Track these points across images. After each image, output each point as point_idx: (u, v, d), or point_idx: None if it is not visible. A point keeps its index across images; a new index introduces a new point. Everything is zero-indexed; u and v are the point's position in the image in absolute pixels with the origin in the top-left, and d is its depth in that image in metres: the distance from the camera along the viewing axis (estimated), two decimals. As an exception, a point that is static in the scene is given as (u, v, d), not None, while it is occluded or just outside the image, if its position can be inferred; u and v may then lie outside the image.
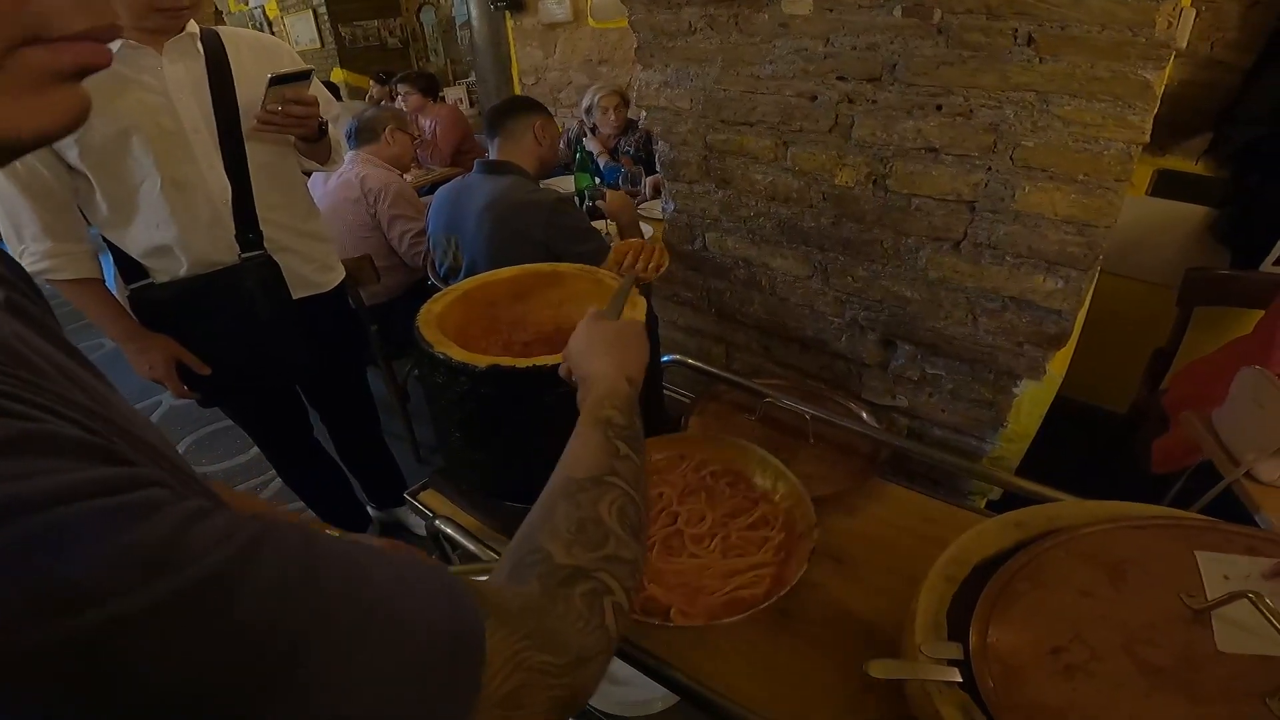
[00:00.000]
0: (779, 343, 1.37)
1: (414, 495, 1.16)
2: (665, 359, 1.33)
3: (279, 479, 1.94)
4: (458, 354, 0.87)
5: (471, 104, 4.74)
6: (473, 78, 4.51)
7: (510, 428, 0.94)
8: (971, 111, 0.91)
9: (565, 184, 2.88)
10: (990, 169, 0.93)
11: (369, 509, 2.15)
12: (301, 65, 1.28)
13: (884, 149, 1.02)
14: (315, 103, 1.30)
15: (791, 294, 1.28)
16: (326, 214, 2.21)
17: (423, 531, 2.31)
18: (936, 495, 1.21)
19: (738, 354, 1.46)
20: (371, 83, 4.86)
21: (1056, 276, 0.95)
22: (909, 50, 0.92)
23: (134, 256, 1.35)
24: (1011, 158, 0.91)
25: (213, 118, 1.30)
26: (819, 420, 1.16)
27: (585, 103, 3.01)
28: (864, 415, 1.24)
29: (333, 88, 4.64)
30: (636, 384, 0.63)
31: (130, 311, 1.41)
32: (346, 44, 5.56)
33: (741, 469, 0.90)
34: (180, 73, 1.26)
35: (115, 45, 1.18)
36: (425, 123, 3.83)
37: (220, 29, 1.37)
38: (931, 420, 1.24)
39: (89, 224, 1.34)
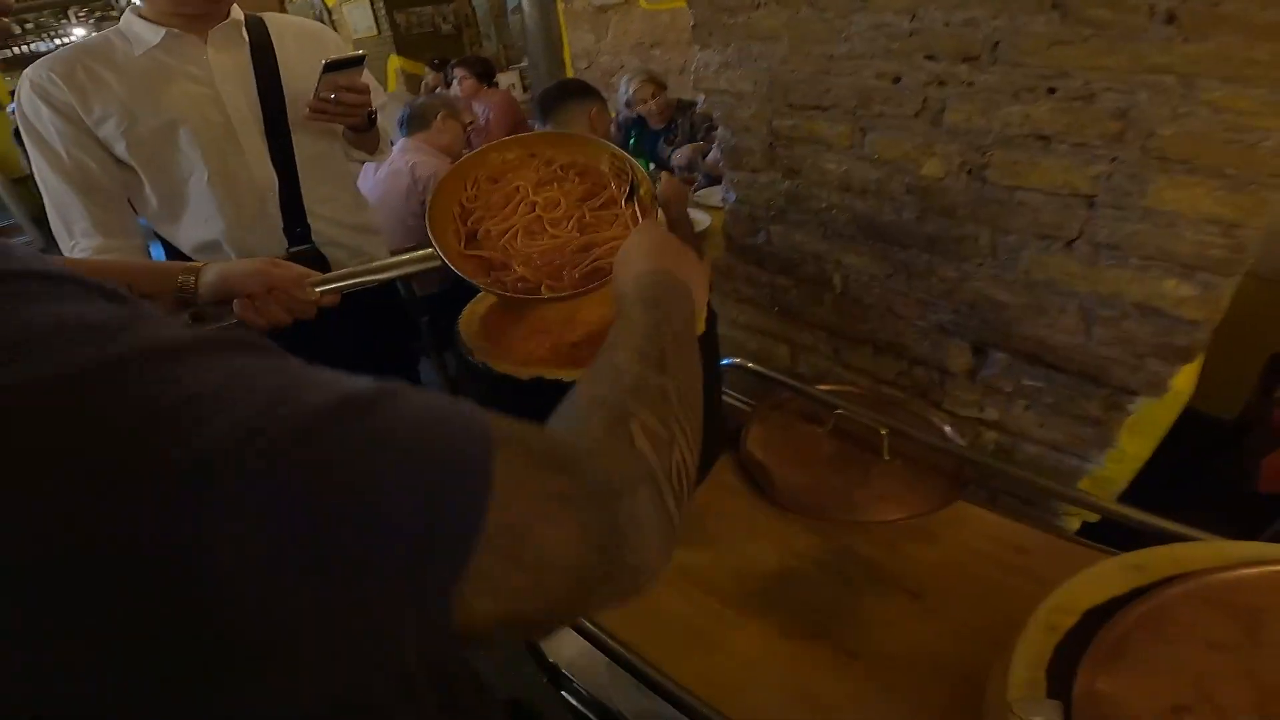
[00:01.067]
0: (849, 345, 1.26)
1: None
2: (725, 362, 1.24)
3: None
4: (499, 364, 0.81)
5: (525, 89, 4.70)
6: (525, 63, 4.45)
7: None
8: (1093, 95, 0.78)
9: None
10: (1115, 159, 0.80)
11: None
12: (348, 51, 1.24)
13: (982, 136, 0.89)
14: (368, 90, 1.26)
15: (866, 294, 1.17)
16: (376, 204, 2.20)
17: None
18: (1025, 514, 1.09)
19: (804, 356, 1.36)
20: (427, 69, 4.87)
21: (1192, 281, 0.82)
22: (1016, 27, 0.80)
23: (184, 251, 1.35)
24: (1143, 148, 0.77)
25: (259, 108, 1.26)
26: (897, 435, 1.06)
27: (623, 96, 2.90)
28: (946, 429, 1.13)
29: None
30: (680, 281, 0.57)
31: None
32: (401, 30, 5.60)
33: (590, 161, 0.93)
34: (226, 62, 1.23)
35: (159, 34, 1.16)
36: (479, 109, 3.81)
37: (265, 15, 1.33)
38: (1025, 435, 1.12)
39: (139, 217, 1.34)
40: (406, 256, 0.86)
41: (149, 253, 1.36)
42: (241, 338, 0.28)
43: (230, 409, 0.24)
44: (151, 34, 1.15)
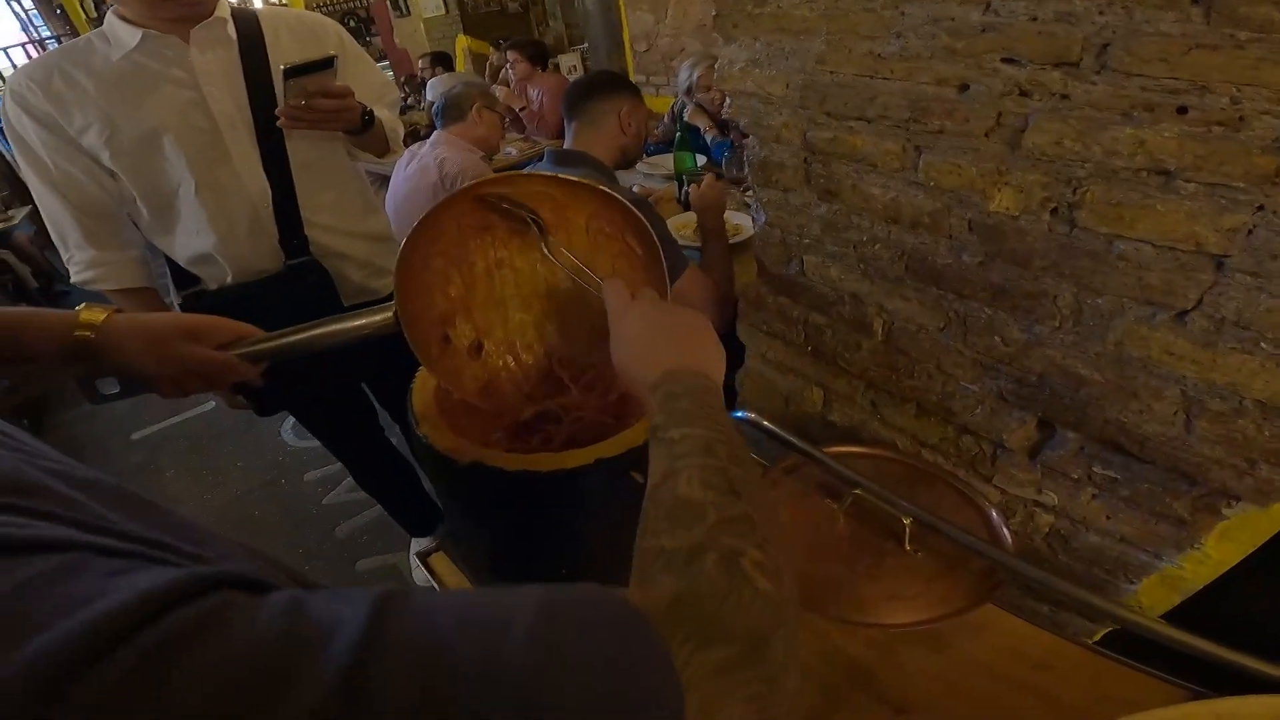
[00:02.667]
0: (890, 400, 1.06)
1: (425, 557, 1.01)
2: (737, 415, 1.07)
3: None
4: (439, 441, 0.68)
5: (585, 72, 4.55)
6: (586, 44, 4.30)
7: (503, 525, 0.75)
8: (1242, 120, 0.55)
9: (667, 162, 2.62)
10: (1262, 209, 0.58)
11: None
12: (328, 51, 1.11)
13: (1075, 166, 0.68)
14: (345, 93, 1.13)
15: (913, 346, 0.96)
16: (404, 201, 2.11)
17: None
18: (1063, 609, 0.94)
19: (838, 404, 1.16)
20: (491, 49, 4.80)
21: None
22: (1134, 25, 0.58)
23: (179, 263, 1.28)
24: (1307, 194, 0.55)
25: (249, 112, 1.17)
26: (924, 526, 0.87)
27: (683, 82, 2.68)
28: (992, 513, 0.93)
29: (444, 58, 4.59)
30: (706, 376, 0.51)
31: None
32: (469, 10, 5.54)
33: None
34: (211, 63, 1.12)
35: (136, 36, 1.06)
36: (533, 92, 3.69)
37: (261, 9, 1.23)
38: (1088, 524, 0.91)
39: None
40: (360, 322, 0.70)
41: (148, 263, 1.30)
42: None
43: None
44: (129, 36, 1.06)
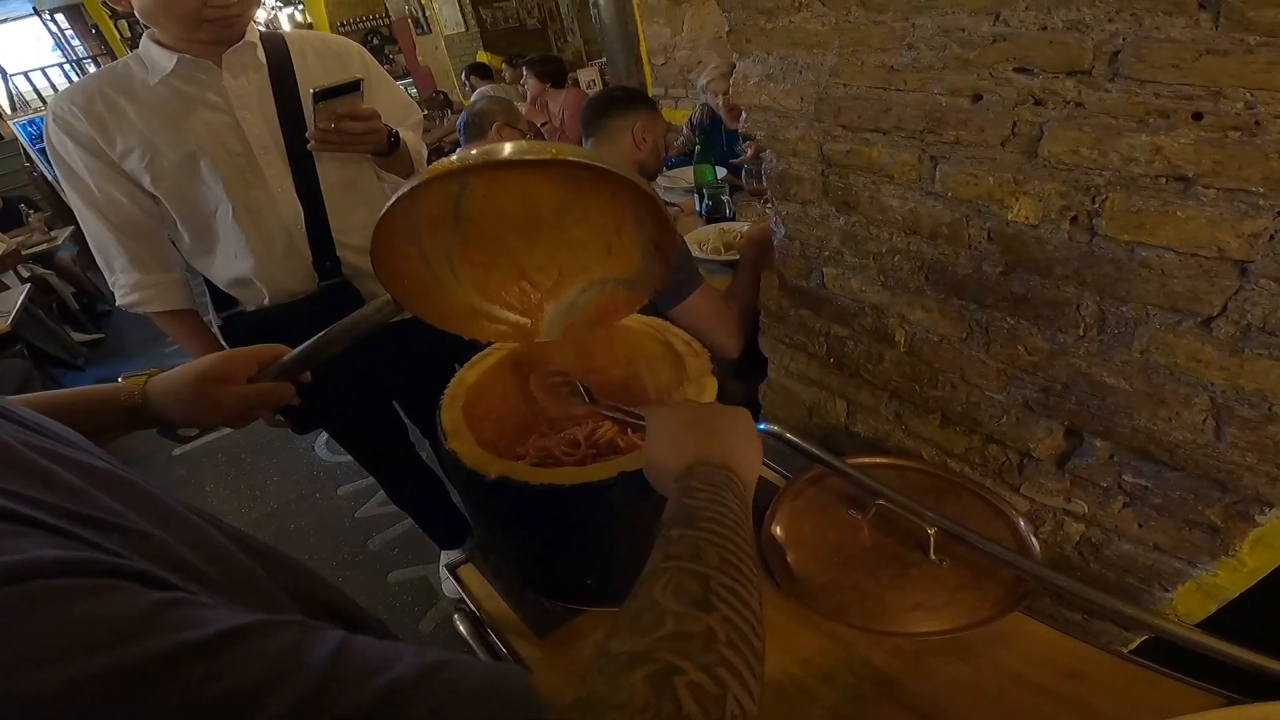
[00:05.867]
0: (914, 411, 1.05)
1: (454, 569, 1.04)
2: (760, 428, 1.08)
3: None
4: (468, 455, 0.70)
5: (604, 86, 4.60)
6: (605, 59, 4.35)
7: (530, 537, 0.76)
8: (1258, 124, 0.55)
9: (687, 175, 2.63)
10: (1284, 214, 0.57)
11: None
12: (353, 74, 1.15)
13: (1093, 174, 0.68)
14: (372, 116, 1.16)
15: (936, 356, 0.96)
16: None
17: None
18: (1096, 618, 0.93)
19: (862, 415, 1.16)
20: (504, 65, 4.88)
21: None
22: (1144, 32, 0.58)
23: (219, 286, 1.32)
24: (1330, 199, 0.54)
25: (280, 134, 1.21)
26: (949, 536, 0.87)
27: (702, 83, 2.70)
28: (1020, 522, 0.93)
29: (484, 69, 4.69)
30: (730, 469, 0.51)
31: (222, 340, 1.39)
32: (488, 26, 5.64)
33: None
34: (244, 87, 1.15)
35: (172, 60, 1.10)
36: (554, 107, 3.74)
37: (287, 32, 1.27)
38: (1120, 532, 0.89)
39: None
40: (366, 313, 0.77)
41: (189, 286, 1.34)
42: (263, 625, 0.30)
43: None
44: (166, 60, 1.10)
